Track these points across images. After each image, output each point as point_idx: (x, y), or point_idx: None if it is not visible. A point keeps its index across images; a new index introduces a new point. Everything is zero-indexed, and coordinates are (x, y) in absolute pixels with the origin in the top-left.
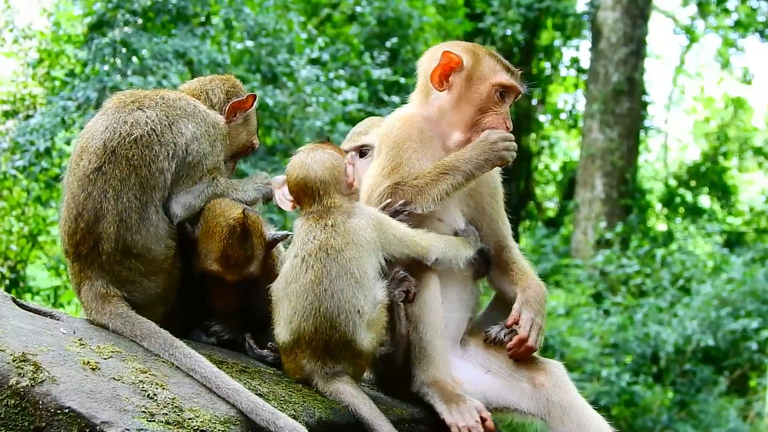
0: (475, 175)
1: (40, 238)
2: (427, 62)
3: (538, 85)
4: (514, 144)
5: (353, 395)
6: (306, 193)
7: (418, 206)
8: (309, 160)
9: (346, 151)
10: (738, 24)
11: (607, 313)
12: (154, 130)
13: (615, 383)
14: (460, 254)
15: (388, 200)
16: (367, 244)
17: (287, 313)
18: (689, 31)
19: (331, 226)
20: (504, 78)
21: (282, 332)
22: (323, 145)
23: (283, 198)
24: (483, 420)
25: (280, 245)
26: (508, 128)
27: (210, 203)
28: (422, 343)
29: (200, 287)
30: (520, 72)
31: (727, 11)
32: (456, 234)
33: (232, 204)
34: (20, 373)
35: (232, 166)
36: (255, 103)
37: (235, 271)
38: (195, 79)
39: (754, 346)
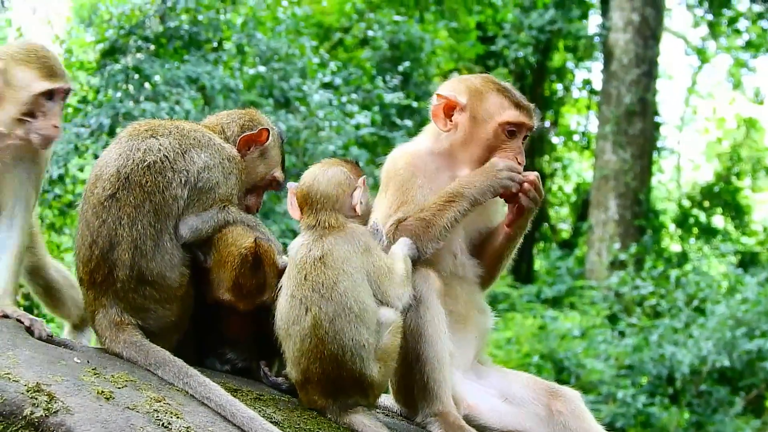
0: (479, 201)
1: None
2: (433, 100)
3: (543, 120)
4: (520, 176)
5: (367, 425)
6: (307, 203)
7: (427, 242)
8: (319, 172)
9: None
10: (749, 44)
11: (622, 334)
12: (167, 157)
13: (631, 404)
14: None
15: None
16: (356, 272)
17: (294, 354)
18: (700, 51)
19: (320, 258)
20: (511, 115)
21: (292, 371)
22: (343, 163)
23: (292, 205)
24: None
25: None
26: (520, 163)
27: (222, 232)
28: (424, 378)
29: (213, 315)
30: (532, 106)
31: (738, 32)
32: (455, 256)
33: (244, 233)
34: (34, 404)
35: (258, 200)
36: (271, 137)
37: (248, 300)
38: (215, 114)
39: None
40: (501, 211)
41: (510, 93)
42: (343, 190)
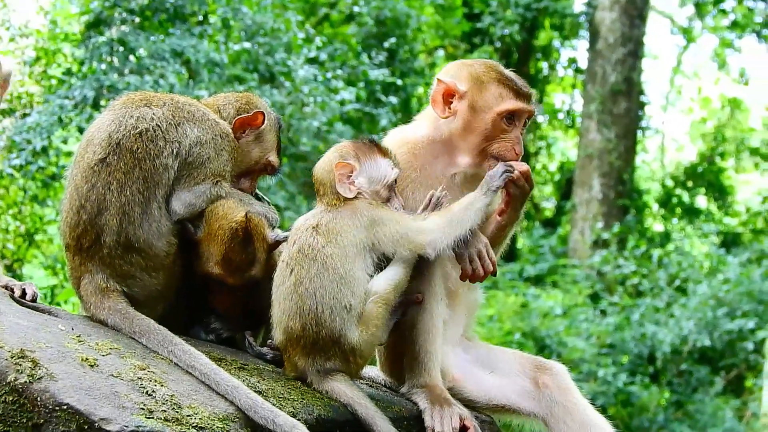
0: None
1: (37, 237)
2: (433, 85)
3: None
4: (517, 172)
5: (348, 394)
6: (315, 188)
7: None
8: (321, 158)
9: None
10: (735, 24)
11: (603, 313)
12: (159, 126)
13: (612, 383)
14: (464, 225)
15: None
16: (351, 245)
17: (277, 314)
18: (686, 31)
19: (314, 227)
20: (511, 105)
21: (276, 333)
22: (345, 146)
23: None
24: (465, 429)
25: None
26: (517, 154)
27: (213, 205)
28: (416, 347)
29: (201, 286)
30: (532, 92)
31: (724, 12)
32: None
33: (235, 207)
34: (18, 370)
35: (252, 184)
36: (267, 121)
37: (237, 274)
38: (213, 95)
39: (750, 346)
40: (495, 201)
41: (511, 82)
42: (332, 177)
